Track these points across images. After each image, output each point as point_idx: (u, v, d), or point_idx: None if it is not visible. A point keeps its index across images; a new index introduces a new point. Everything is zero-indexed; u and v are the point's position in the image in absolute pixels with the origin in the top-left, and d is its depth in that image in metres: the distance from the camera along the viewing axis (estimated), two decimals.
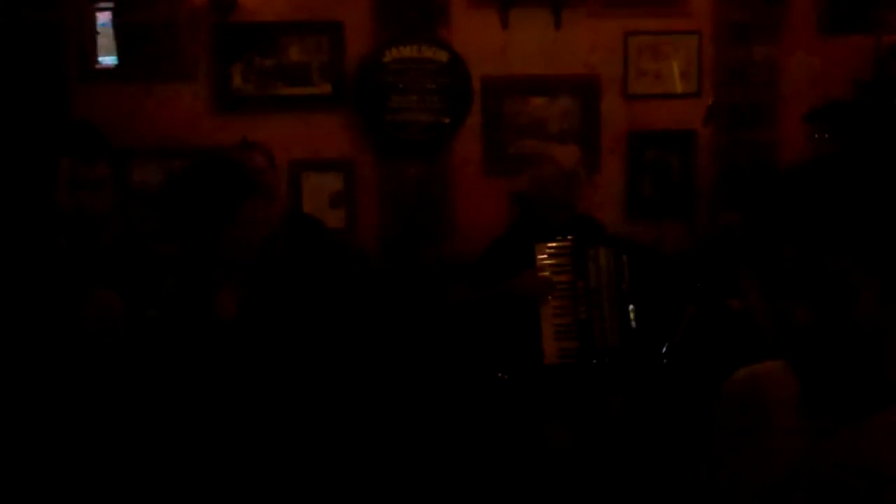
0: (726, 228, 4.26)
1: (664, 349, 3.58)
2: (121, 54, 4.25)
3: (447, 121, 4.32)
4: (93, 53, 4.25)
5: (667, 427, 3.74)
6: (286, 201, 4.08)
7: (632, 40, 4.45)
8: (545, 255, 3.46)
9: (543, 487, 3.44)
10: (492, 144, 4.42)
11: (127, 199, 4.17)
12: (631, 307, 3.46)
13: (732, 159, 4.48)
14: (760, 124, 4.46)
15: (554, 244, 3.47)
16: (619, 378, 3.52)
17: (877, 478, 1.13)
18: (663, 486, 3.58)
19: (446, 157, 4.41)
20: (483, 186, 4.44)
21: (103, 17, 4.25)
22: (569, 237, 3.49)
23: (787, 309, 1.15)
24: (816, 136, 3.48)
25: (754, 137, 4.45)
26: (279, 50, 4.27)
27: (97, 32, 4.26)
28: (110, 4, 4.23)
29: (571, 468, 3.46)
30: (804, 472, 1.21)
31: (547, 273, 3.45)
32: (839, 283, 1.11)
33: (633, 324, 3.46)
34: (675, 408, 3.87)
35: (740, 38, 4.43)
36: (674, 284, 3.56)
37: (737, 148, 4.47)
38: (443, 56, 4.30)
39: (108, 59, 4.27)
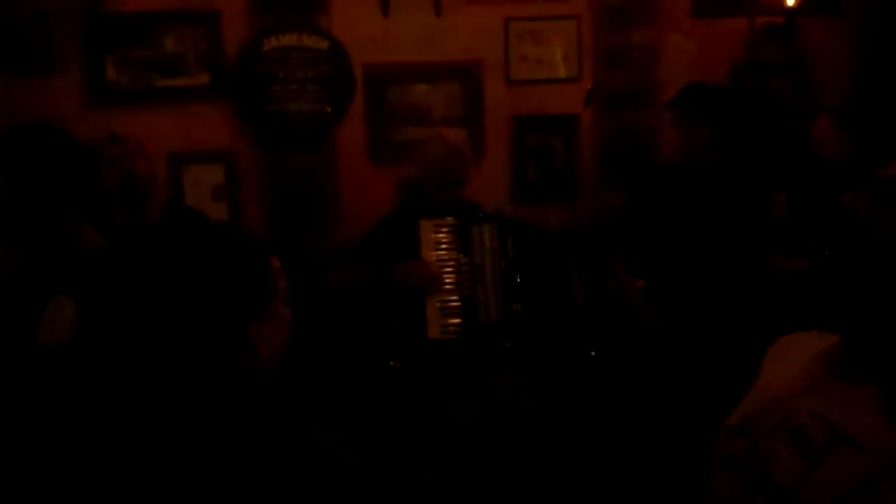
0: (609, 211, 4.42)
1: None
2: None
3: (329, 110, 4.38)
4: None
5: (553, 405, 3.88)
6: (165, 195, 4.08)
7: (513, 25, 4.57)
8: (429, 233, 3.52)
9: (438, 471, 3.53)
10: (376, 132, 4.50)
11: None
12: (515, 282, 3.56)
13: (613, 142, 4.64)
14: (640, 107, 4.62)
15: (438, 221, 3.54)
16: (505, 354, 3.63)
17: (839, 434, 1.17)
18: (552, 463, 3.72)
19: (330, 146, 4.47)
20: (368, 175, 4.51)
21: None
22: (454, 214, 3.57)
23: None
24: (680, 121, 3.65)
25: (634, 120, 4.62)
26: (154, 40, 4.26)
27: None
28: None
29: (464, 450, 3.57)
30: (783, 408, 1.27)
31: (432, 255, 3.52)
32: None
33: (517, 299, 3.56)
34: (561, 386, 4.01)
35: (618, 22, 4.59)
36: (556, 261, 3.69)
37: (617, 131, 4.64)
38: (323, 44, 4.35)
39: None
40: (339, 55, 4.38)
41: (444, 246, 3.55)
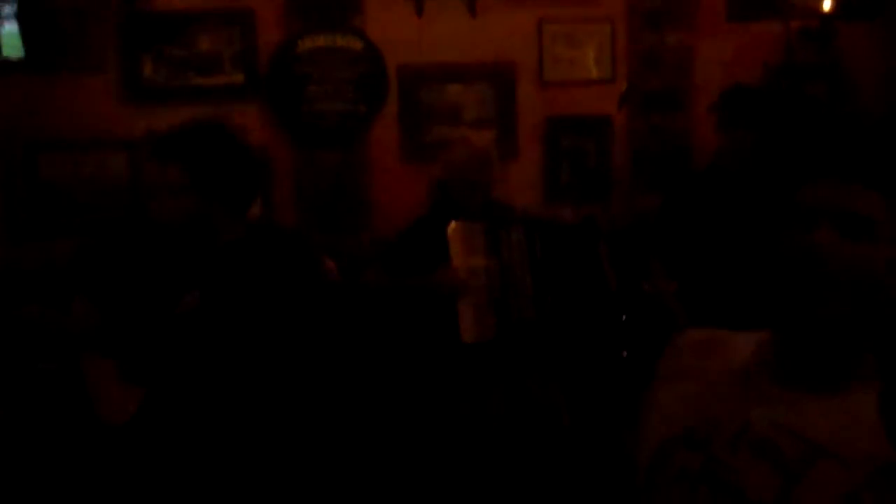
0: (642, 213, 4.42)
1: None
2: (27, 46, 4.25)
3: (363, 110, 4.41)
4: None
5: (583, 404, 3.88)
6: None
7: (546, 27, 4.58)
8: (458, 237, 3.54)
9: (463, 468, 3.55)
10: (409, 132, 4.52)
11: (34, 193, 4.19)
12: (546, 283, 3.57)
13: (647, 145, 4.64)
14: (674, 110, 4.63)
15: (467, 225, 3.55)
16: (537, 353, 3.64)
17: (815, 449, 1.16)
18: (581, 460, 3.73)
19: (364, 146, 4.50)
20: (401, 175, 4.54)
21: (8, 8, 4.25)
22: (482, 218, 3.58)
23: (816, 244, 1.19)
24: (722, 124, 3.64)
25: (668, 123, 4.62)
26: (190, 39, 4.32)
27: (1, 24, 4.26)
28: None
29: (492, 448, 3.58)
30: (737, 420, 1.24)
31: (461, 260, 3.53)
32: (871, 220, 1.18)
33: (548, 300, 3.57)
34: (590, 387, 4.02)
35: (652, 24, 4.60)
36: (584, 252, 3.69)
37: (651, 133, 4.64)
38: (357, 45, 4.38)
39: (13, 51, 4.27)
40: (373, 56, 4.41)
41: (473, 251, 3.56)
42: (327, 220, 4.41)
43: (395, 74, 4.49)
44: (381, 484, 3.75)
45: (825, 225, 1.19)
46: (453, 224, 3.52)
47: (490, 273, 3.56)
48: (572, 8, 4.59)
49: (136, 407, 2.12)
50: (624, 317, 3.96)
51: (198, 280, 2.42)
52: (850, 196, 1.19)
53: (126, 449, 1.69)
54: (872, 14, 4.81)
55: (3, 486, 2.60)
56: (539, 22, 4.57)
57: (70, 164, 4.19)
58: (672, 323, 3.59)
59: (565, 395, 3.72)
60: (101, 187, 4.22)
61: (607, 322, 3.92)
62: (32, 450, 2.76)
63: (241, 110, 4.37)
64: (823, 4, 4.63)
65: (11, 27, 4.25)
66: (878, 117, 3.83)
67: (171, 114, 4.17)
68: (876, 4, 4.80)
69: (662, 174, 4.50)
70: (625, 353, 3.99)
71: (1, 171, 4.20)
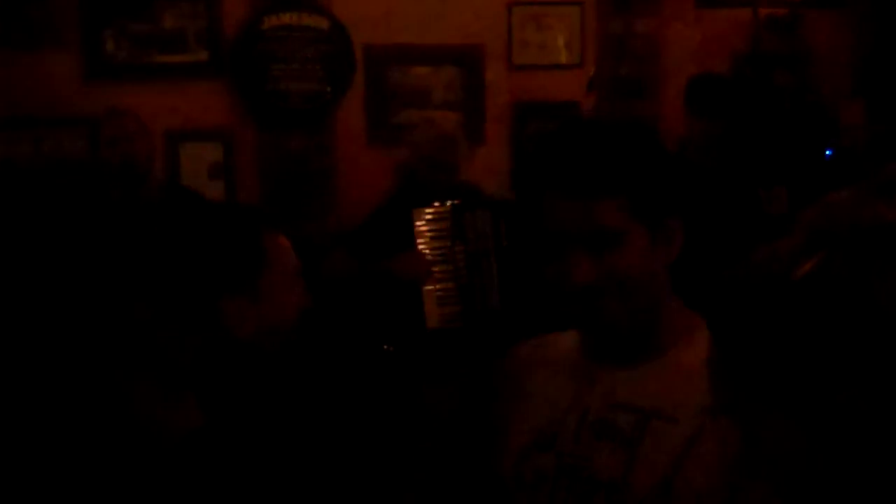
0: None
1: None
2: None
3: (329, 90, 4.40)
4: None
5: None
6: (161, 172, 4.11)
7: (515, 10, 4.60)
8: (423, 221, 3.56)
9: (427, 451, 3.58)
10: (375, 114, 4.53)
11: None
12: (511, 267, 3.60)
13: None
14: (642, 96, 4.66)
15: (431, 210, 3.57)
16: (501, 338, 3.67)
17: (645, 415, 1.25)
18: None
19: (329, 127, 4.50)
20: (367, 157, 4.54)
21: None
22: (448, 202, 3.60)
23: (565, 265, 1.24)
24: (691, 112, 3.67)
25: (636, 109, 4.65)
26: (153, 15, 4.28)
27: None
28: None
29: (451, 433, 3.62)
30: (576, 410, 1.32)
31: (425, 245, 3.56)
32: (610, 231, 1.22)
33: (514, 284, 3.60)
34: None
35: (622, 10, 4.62)
36: None
37: (619, 119, 4.67)
38: (324, 23, 4.37)
39: None
40: (339, 35, 4.40)
41: (438, 234, 3.58)
42: (292, 203, 4.40)
43: (361, 55, 4.48)
44: (342, 468, 3.77)
45: (573, 248, 1.23)
46: (419, 209, 3.54)
47: (455, 258, 3.58)
48: None
49: None
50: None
51: None
52: (587, 214, 1.22)
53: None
54: (839, 2, 4.88)
55: None
56: (508, 5, 4.59)
57: (30, 141, 4.14)
58: None
59: None
60: (61, 164, 4.18)
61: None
62: None
63: (205, 88, 4.36)
64: None
65: None
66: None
67: (134, 91, 4.19)
68: None
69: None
70: None
71: None
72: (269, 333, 1.69)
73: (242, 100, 4.40)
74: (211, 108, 4.38)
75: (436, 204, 3.57)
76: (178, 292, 1.62)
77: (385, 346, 3.73)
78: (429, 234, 3.56)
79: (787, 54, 4.81)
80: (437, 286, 3.57)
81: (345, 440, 3.54)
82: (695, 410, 1.22)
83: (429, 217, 3.55)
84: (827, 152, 4.35)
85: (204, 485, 1.58)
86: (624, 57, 4.65)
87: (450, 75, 4.58)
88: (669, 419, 1.23)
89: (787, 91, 4.72)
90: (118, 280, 1.67)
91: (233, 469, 1.62)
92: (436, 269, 3.57)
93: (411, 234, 3.56)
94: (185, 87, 4.34)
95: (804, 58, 4.85)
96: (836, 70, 4.85)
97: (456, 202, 3.60)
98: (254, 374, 1.71)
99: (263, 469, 1.69)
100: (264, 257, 1.67)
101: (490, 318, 3.62)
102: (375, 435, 3.55)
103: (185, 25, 4.31)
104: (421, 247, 3.56)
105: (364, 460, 3.17)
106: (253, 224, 1.72)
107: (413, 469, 3.59)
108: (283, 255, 1.71)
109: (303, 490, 1.80)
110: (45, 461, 1.56)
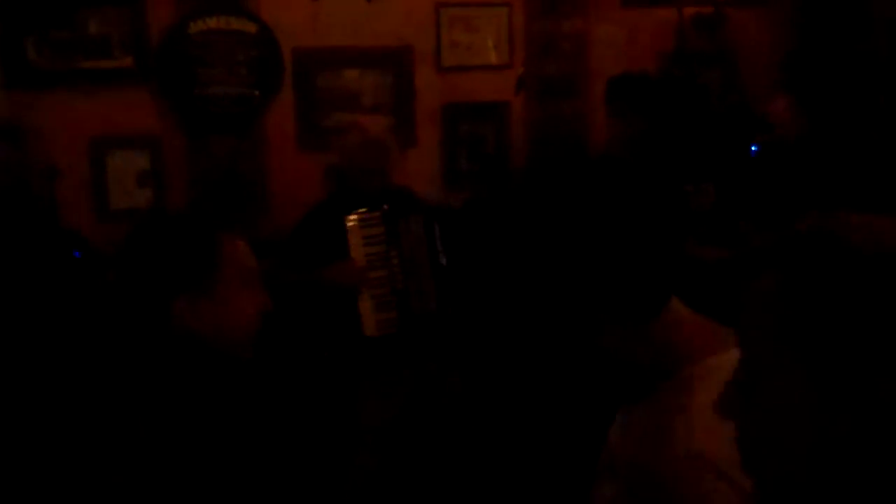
0: None
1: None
2: None
3: (257, 94, 4.41)
4: None
5: (486, 388, 3.99)
6: (88, 181, 4.12)
7: (444, 12, 4.65)
8: (356, 227, 3.59)
9: (361, 464, 3.62)
10: (305, 118, 4.54)
11: None
12: (445, 271, 3.65)
13: (544, 130, 4.76)
14: (570, 96, 4.75)
15: (364, 215, 3.60)
16: (439, 343, 3.72)
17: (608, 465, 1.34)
18: (487, 450, 3.83)
19: (259, 131, 4.50)
20: (298, 161, 4.56)
21: None
22: (381, 207, 3.63)
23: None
24: (612, 112, 3.75)
25: (565, 109, 4.75)
26: (77, 21, 4.23)
27: None
28: None
29: (392, 441, 3.66)
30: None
31: (361, 251, 3.58)
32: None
33: (449, 287, 3.65)
34: (493, 376, 4.12)
35: (549, 10, 4.71)
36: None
37: (548, 120, 4.76)
38: (251, 27, 4.38)
39: None
40: (267, 39, 4.41)
41: (372, 240, 3.61)
42: (222, 209, 4.40)
43: (290, 58, 4.50)
44: (284, 477, 3.79)
45: None
46: (353, 215, 3.57)
47: (390, 263, 3.62)
48: None
49: None
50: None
51: None
52: None
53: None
54: (762, 0, 5.01)
55: None
56: (436, 6, 4.63)
57: None
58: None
59: (469, 384, 3.82)
60: None
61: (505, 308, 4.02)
62: None
63: (131, 95, 4.34)
64: None
65: None
66: None
67: (58, 99, 4.17)
68: None
69: (558, 160, 4.61)
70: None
71: None
72: (228, 333, 1.73)
73: (170, 105, 4.38)
74: (137, 114, 4.36)
75: (362, 210, 3.59)
76: (138, 295, 1.66)
77: (325, 354, 3.77)
78: (362, 239, 3.60)
79: (713, 52, 4.92)
80: (374, 292, 3.61)
81: (281, 448, 3.55)
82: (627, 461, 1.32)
83: (362, 222, 3.58)
84: (752, 148, 4.47)
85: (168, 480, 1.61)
86: (552, 57, 4.73)
87: (379, 78, 4.62)
88: (611, 471, 1.38)
89: (712, 88, 4.84)
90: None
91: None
92: (372, 274, 3.60)
93: (344, 240, 3.59)
94: (110, 93, 4.31)
95: (730, 55, 4.97)
96: (760, 67, 4.97)
97: (386, 208, 3.64)
98: (216, 377, 1.74)
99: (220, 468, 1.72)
100: (221, 260, 1.71)
101: (427, 323, 3.67)
102: (309, 443, 3.58)
103: (109, 31, 4.27)
104: (354, 253, 3.59)
105: (298, 468, 3.19)
106: (209, 228, 1.76)
107: (350, 477, 3.63)
108: (241, 258, 1.75)
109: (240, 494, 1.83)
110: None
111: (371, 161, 3.64)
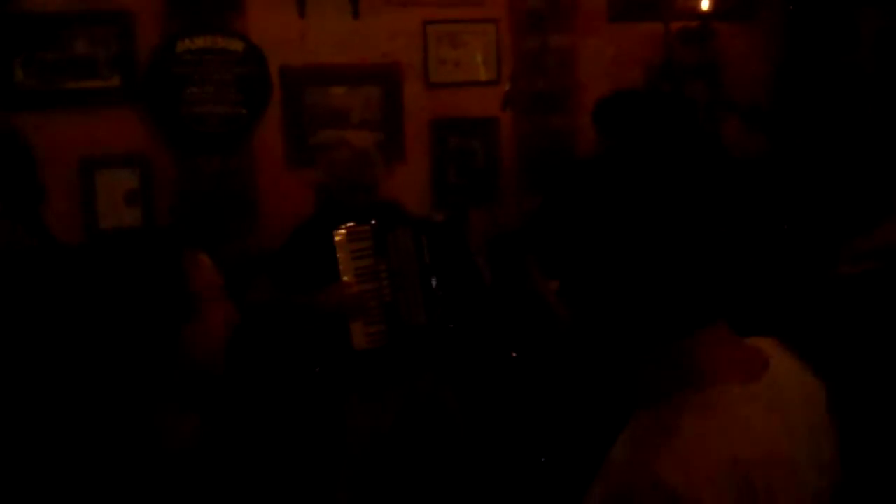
0: (529, 213, 4.57)
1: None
2: None
3: (245, 112, 4.45)
4: None
5: (476, 406, 4.01)
6: (77, 201, 4.14)
7: (431, 29, 4.70)
8: (344, 241, 3.61)
9: (348, 479, 3.63)
10: (293, 135, 4.58)
11: None
12: (434, 285, 3.67)
13: (533, 145, 4.81)
14: (559, 111, 4.81)
15: (352, 229, 3.61)
16: (428, 356, 3.74)
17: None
18: (475, 462, 3.85)
19: (247, 149, 4.54)
20: (286, 178, 4.59)
21: None
22: (369, 221, 3.66)
23: None
24: (600, 132, 3.79)
25: (553, 123, 4.80)
26: (64, 42, 4.28)
27: None
28: None
29: (381, 455, 3.67)
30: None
31: (350, 266, 3.60)
32: None
33: (437, 302, 3.68)
34: (484, 387, 4.15)
35: (536, 26, 4.77)
36: (456, 247, 3.82)
37: (537, 134, 4.81)
38: (238, 46, 4.43)
39: None
40: (254, 57, 4.46)
41: (360, 254, 3.63)
42: (210, 227, 4.43)
43: (277, 76, 4.55)
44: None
45: None
46: (341, 230, 3.60)
47: (379, 277, 3.64)
48: (456, 9, 4.72)
49: None
50: (514, 354, 4.12)
51: None
52: None
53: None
54: (749, 14, 5.08)
55: None
56: (423, 23, 4.69)
57: None
58: (552, 323, 3.74)
59: (458, 397, 3.84)
60: None
61: (488, 319, 4.07)
62: None
63: (119, 114, 4.38)
64: (701, 4, 4.86)
65: None
66: None
67: (46, 119, 4.20)
68: (751, 5, 5.07)
69: (548, 174, 4.66)
70: (514, 354, 4.13)
71: None
72: (214, 354, 1.75)
73: (158, 125, 4.42)
74: (126, 134, 4.40)
75: (350, 224, 3.61)
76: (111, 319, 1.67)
77: (315, 369, 3.79)
78: (350, 253, 3.62)
79: (700, 66, 4.98)
80: (362, 308, 3.63)
81: (269, 462, 3.57)
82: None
83: (350, 236, 3.60)
84: None
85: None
86: (540, 72, 4.79)
87: (367, 95, 4.67)
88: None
89: (699, 101, 4.89)
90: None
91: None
92: (360, 288, 3.62)
93: (333, 255, 3.61)
94: (98, 113, 4.35)
95: (716, 69, 5.03)
96: (746, 80, 5.04)
97: (375, 221, 3.66)
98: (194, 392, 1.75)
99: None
100: (186, 277, 1.72)
101: (416, 336, 3.69)
102: (297, 457, 3.59)
103: (96, 52, 4.32)
104: (343, 266, 3.61)
105: (286, 483, 3.20)
106: (172, 245, 1.77)
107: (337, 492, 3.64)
108: (206, 273, 1.76)
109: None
110: (53, 464, 1.60)
111: (358, 176, 3.66)
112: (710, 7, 4.87)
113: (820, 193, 3.92)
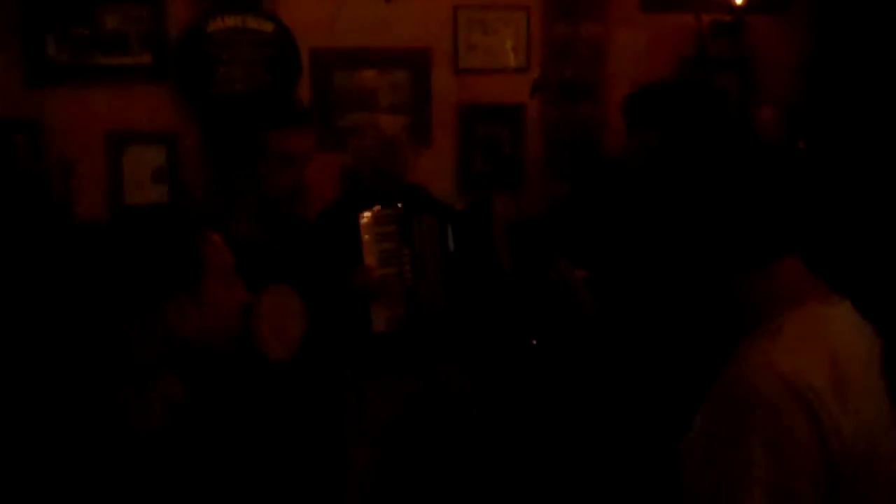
0: (555, 201, 4.57)
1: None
2: None
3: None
4: None
5: (494, 393, 4.03)
6: (104, 175, 4.18)
7: (462, 14, 4.71)
8: (369, 224, 3.63)
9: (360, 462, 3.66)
10: (322, 118, 4.59)
11: None
12: (456, 271, 3.69)
13: (560, 134, 4.80)
14: (587, 100, 4.80)
15: (378, 213, 3.63)
16: (445, 342, 3.77)
17: None
18: (487, 451, 3.87)
19: None
20: (314, 161, 4.59)
21: None
22: (395, 205, 3.68)
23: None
24: (629, 125, 3.77)
25: (582, 113, 4.79)
26: (96, 18, 4.32)
27: None
28: None
29: (393, 439, 3.70)
30: None
31: (374, 249, 3.62)
32: None
33: (457, 290, 3.70)
34: (503, 375, 4.16)
35: (567, 14, 4.76)
36: (482, 244, 3.84)
37: (565, 123, 4.80)
38: (268, 27, 4.45)
39: None
40: (284, 38, 4.48)
41: (384, 238, 3.65)
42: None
43: (307, 58, 4.56)
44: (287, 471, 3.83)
45: None
46: (366, 212, 3.62)
47: (402, 261, 3.66)
48: None
49: None
50: (534, 342, 4.13)
51: None
52: None
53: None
54: (782, 7, 5.05)
55: None
56: (454, 9, 4.69)
57: None
58: (577, 311, 3.75)
59: (475, 384, 3.86)
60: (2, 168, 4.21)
61: (507, 306, 4.08)
62: None
63: (149, 91, 4.41)
64: None
65: None
66: None
67: (76, 94, 4.24)
68: None
69: (575, 163, 4.66)
70: (534, 342, 4.14)
71: None
72: (213, 332, 1.78)
73: (186, 103, 4.45)
74: (154, 110, 4.43)
75: (377, 207, 3.63)
76: (122, 298, 1.68)
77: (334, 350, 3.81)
78: (375, 236, 3.64)
79: (731, 58, 4.95)
80: (384, 291, 3.65)
81: (281, 445, 3.61)
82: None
83: (375, 219, 3.62)
84: None
85: (168, 482, 1.64)
86: (570, 60, 4.78)
87: (396, 79, 4.68)
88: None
89: (730, 94, 4.87)
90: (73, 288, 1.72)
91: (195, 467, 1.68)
92: (382, 272, 3.64)
93: (356, 238, 3.63)
94: (128, 89, 4.39)
95: (748, 62, 5.00)
96: (779, 74, 5.01)
97: (401, 206, 3.68)
98: (205, 374, 1.77)
99: (220, 468, 1.75)
100: (199, 257, 1.74)
101: (435, 322, 3.71)
102: (309, 439, 3.62)
103: (127, 28, 4.35)
104: (366, 249, 3.63)
105: (297, 465, 3.23)
106: (185, 225, 1.78)
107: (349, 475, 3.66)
108: (218, 253, 1.78)
109: (253, 489, 1.87)
110: (25, 457, 1.62)
111: (386, 162, 3.68)
112: (743, 0, 4.84)
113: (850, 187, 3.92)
